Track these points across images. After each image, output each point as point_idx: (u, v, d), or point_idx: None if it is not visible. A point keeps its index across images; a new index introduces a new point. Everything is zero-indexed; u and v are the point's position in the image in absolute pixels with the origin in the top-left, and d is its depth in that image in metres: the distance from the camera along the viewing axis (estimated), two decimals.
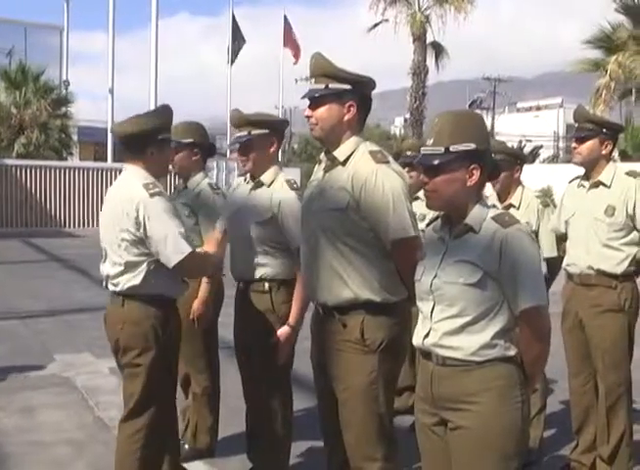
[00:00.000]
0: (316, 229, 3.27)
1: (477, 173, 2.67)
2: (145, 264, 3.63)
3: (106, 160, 27.31)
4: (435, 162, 2.66)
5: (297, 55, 33.30)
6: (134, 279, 3.64)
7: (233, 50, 32.56)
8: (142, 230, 3.56)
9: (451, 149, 2.64)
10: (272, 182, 3.94)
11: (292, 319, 3.84)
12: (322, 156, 3.39)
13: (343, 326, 3.21)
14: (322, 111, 3.23)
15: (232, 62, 32.85)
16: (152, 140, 3.66)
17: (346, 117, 3.23)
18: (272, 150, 4.00)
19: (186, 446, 4.76)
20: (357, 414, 3.22)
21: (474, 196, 2.70)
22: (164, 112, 3.80)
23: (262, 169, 3.97)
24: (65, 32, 34.61)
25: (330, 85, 3.20)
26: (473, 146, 2.64)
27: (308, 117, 3.27)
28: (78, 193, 23.80)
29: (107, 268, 3.76)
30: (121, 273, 3.66)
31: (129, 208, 3.57)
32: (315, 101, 3.24)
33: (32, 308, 9.96)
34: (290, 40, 33.44)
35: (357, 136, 3.28)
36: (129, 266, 3.64)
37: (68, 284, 12.14)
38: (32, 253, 17.86)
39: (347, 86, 3.20)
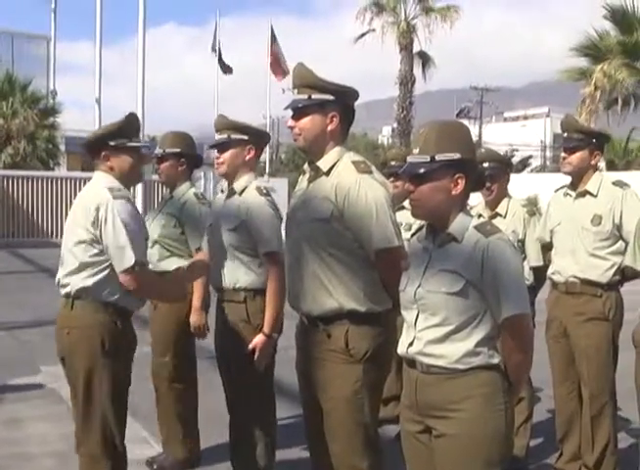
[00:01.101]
0: (300, 239, 3.27)
1: (461, 183, 2.69)
2: (100, 267, 3.48)
3: (93, 170, 27.09)
4: (421, 170, 2.68)
5: (283, 73, 32.55)
6: (86, 281, 3.48)
7: (220, 62, 32.33)
8: (99, 230, 3.45)
9: (437, 158, 2.66)
10: (243, 190, 3.92)
11: (266, 327, 3.79)
12: (306, 166, 3.40)
13: (328, 336, 3.21)
14: (305, 121, 3.24)
15: (230, 72, 32.57)
16: (103, 145, 3.62)
17: (329, 128, 3.24)
18: (248, 157, 3.99)
19: (169, 458, 4.75)
20: (342, 424, 3.21)
21: (458, 205, 2.72)
22: (126, 118, 3.70)
23: (235, 175, 3.96)
24: (52, 42, 34.60)
25: (313, 96, 3.21)
26: (458, 155, 2.67)
27: (291, 127, 3.29)
28: (66, 203, 23.53)
29: (62, 273, 3.62)
30: (74, 272, 3.51)
31: (90, 206, 3.48)
32: (298, 111, 3.26)
33: (19, 319, 9.92)
34: (275, 61, 32.98)
35: (341, 146, 3.29)
36: (83, 267, 3.48)
37: (55, 295, 11.97)
38: (19, 263, 17.81)
39: (330, 97, 3.22)
